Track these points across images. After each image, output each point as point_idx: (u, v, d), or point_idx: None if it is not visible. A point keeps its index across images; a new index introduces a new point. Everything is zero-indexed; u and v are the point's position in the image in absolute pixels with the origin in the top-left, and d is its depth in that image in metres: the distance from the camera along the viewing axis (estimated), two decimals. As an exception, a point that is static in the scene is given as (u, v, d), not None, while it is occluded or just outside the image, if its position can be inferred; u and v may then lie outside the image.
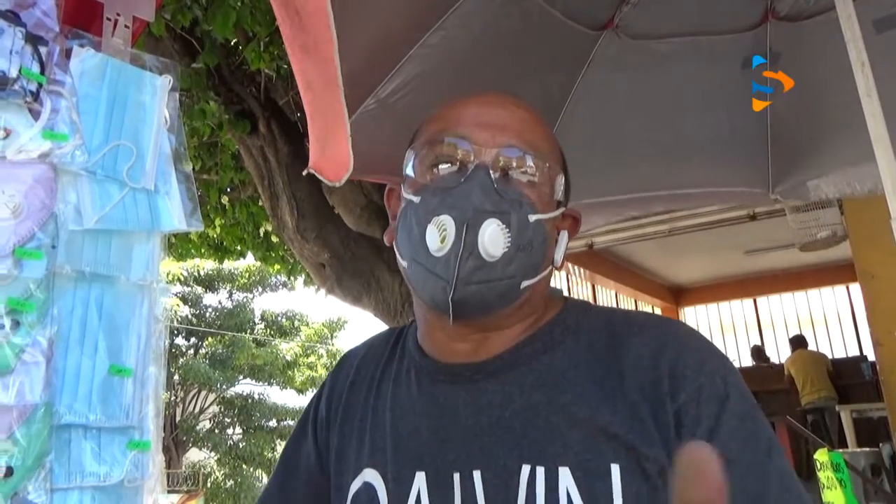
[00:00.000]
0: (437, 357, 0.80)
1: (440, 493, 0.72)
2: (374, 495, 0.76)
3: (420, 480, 0.73)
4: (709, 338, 0.80)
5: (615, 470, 0.67)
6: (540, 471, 0.68)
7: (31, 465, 0.78)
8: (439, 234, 0.72)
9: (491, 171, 0.74)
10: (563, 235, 0.82)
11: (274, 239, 6.00)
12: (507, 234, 0.72)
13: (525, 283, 0.75)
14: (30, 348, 0.80)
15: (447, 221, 0.72)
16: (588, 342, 0.76)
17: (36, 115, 0.87)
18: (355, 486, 0.78)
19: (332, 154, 1.51)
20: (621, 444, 0.68)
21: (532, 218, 0.75)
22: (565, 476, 0.67)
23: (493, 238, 0.71)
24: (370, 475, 0.77)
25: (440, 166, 0.77)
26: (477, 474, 0.71)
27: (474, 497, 0.70)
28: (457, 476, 0.72)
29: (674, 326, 0.77)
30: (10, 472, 0.76)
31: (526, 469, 0.69)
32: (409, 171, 0.80)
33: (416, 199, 0.77)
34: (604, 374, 0.73)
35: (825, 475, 2.92)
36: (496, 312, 0.75)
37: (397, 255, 0.80)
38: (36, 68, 0.86)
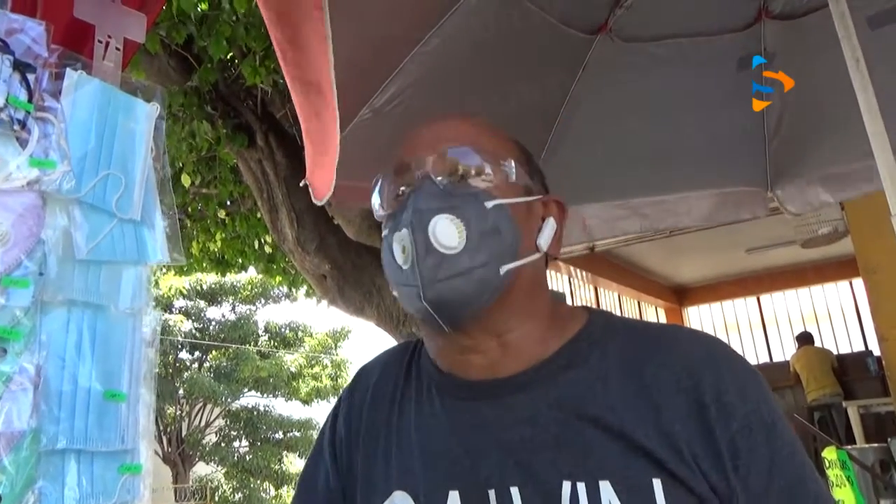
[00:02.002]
0: (456, 373, 0.80)
1: None
2: None
3: (454, 499, 0.72)
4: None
5: (657, 484, 0.67)
6: (581, 486, 0.68)
7: (19, 492, 0.78)
8: (401, 248, 0.75)
9: (433, 176, 0.77)
10: (549, 221, 0.83)
11: (268, 250, 5.99)
12: (461, 224, 0.73)
13: (505, 268, 0.75)
14: (17, 376, 0.80)
15: (404, 234, 0.75)
16: (617, 357, 0.76)
17: (23, 142, 0.86)
18: None
19: (320, 174, 1.53)
20: (659, 464, 0.68)
21: (489, 204, 0.76)
22: (607, 490, 0.67)
23: (443, 230, 0.73)
24: (399, 498, 0.75)
25: (398, 193, 0.81)
26: (514, 490, 0.70)
27: None
28: (492, 493, 0.71)
29: (704, 342, 0.77)
30: (-1, 500, 0.76)
31: (567, 486, 0.68)
32: (378, 211, 0.84)
33: (385, 231, 0.81)
34: (635, 392, 0.72)
35: (834, 473, 2.89)
36: (485, 305, 0.75)
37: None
38: (23, 96, 0.86)
